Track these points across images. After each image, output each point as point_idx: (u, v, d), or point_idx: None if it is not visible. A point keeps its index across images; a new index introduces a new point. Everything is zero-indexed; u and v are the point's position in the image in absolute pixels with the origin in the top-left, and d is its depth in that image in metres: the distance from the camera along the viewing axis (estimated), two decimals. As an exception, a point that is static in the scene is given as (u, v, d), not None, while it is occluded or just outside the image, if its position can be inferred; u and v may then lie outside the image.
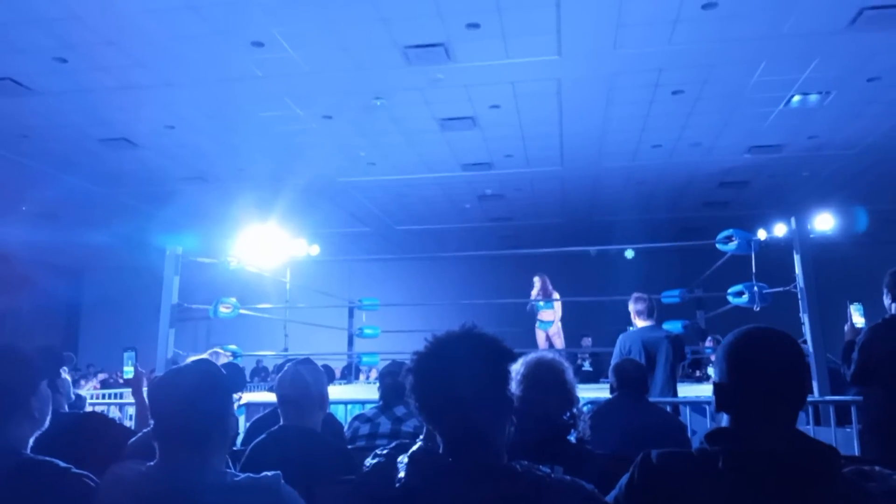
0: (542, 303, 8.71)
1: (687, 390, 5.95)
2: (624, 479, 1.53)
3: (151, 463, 1.65)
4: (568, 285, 11.18)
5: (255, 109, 7.86)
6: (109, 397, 7.82)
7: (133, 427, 3.44)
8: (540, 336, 8.89)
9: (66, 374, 2.68)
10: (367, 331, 8.41)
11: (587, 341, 11.12)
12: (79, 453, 1.85)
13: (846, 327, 3.93)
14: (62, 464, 1.67)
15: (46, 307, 15.00)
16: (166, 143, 8.95)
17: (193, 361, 1.86)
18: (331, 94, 7.47)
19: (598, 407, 3.35)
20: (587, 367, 10.26)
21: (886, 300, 3.65)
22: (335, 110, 7.95)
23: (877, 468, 1.68)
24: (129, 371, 3.46)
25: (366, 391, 6.39)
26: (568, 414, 2.26)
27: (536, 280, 8.86)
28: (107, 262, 15.77)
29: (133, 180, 10.54)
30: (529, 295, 8.93)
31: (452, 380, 1.44)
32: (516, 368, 2.18)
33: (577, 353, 10.38)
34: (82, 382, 10.19)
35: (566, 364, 2.33)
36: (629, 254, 12.70)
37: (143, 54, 6.46)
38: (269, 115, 8.04)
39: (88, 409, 4.66)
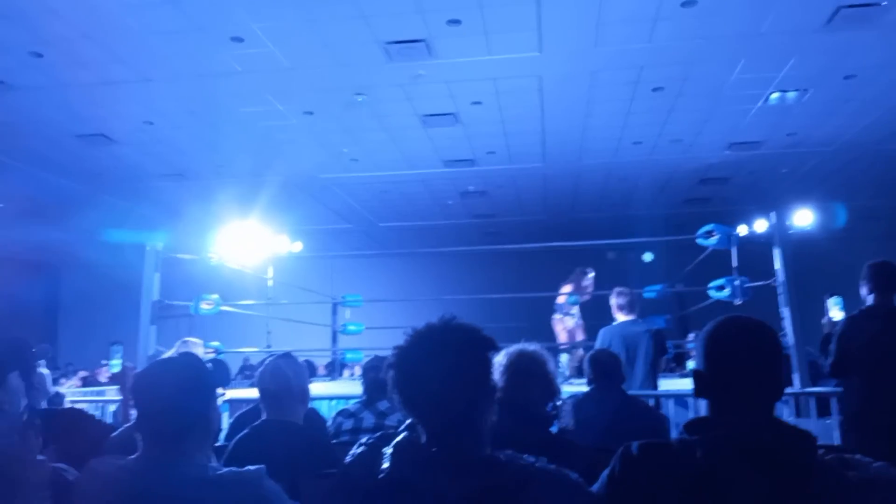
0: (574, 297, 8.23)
1: (670, 384, 5.99)
2: (605, 472, 1.54)
3: (132, 457, 1.63)
4: (551, 281, 11.19)
5: (236, 105, 7.79)
6: (90, 395, 7.72)
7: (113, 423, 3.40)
8: (562, 329, 8.45)
9: (43, 369, 2.63)
10: (351, 327, 8.38)
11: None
12: (57, 449, 1.83)
13: (824, 321, 3.98)
14: (39, 457, 1.65)
15: (24, 306, 14.77)
16: (145, 139, 8.85)
17: (178, 355, 1.85)
18: (312, 89, 7.43)
19: (578, 400, 3.37)
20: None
21: (863, 291, 3.70)
22: (316, 106, 7.91)
23: (857, 456, 1.70)
24: (116, 364, 3.41)
25: (350, 387, 6.37)
26: (551, 405, 2.27)
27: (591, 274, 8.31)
28: (85, 260, 15.57)
29: (111, 177, 10.41)
30: (514, 290, 8.84)
31: (434, 371, 1.44)
32: (499, 360, 2.19)
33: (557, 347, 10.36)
34: (63, 381, 10.06)
35: (548, 355, 2.35)
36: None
37: (121, 49, 6.38)
38: (250, 111, 7.98)
39: (68, 405, 4.60)
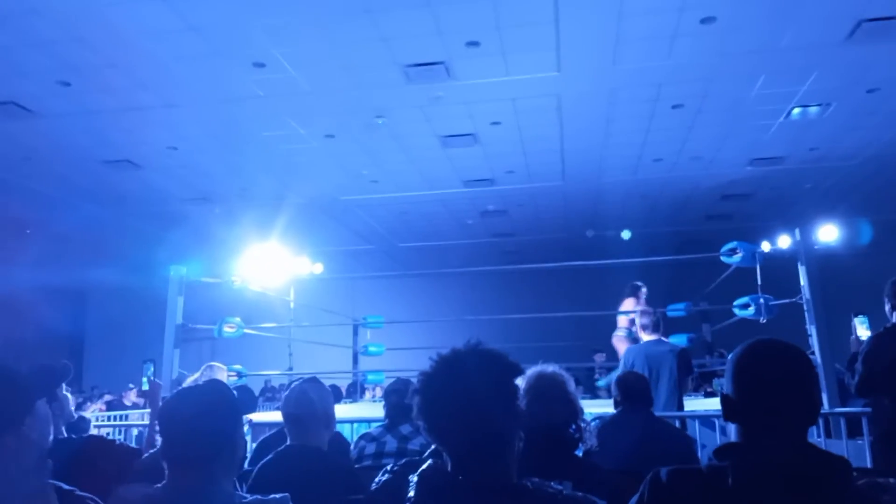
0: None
1: (696, 404, 5.90)
2: (634, 499, 1.52)
3: (159, 485, 1.63)
4: (573, 299, 11.16)
5: (258, 129, 7.89)
6: (114, 419, 7.78)
7: (138, 446, 3.41)
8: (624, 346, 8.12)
9: (66, 391, 2.63)
10: (372, 348, 8.38)
11: (601, 357, 11.01)
12: (82, 479, 1.83)
13: (852, 339, 3.92)
14: (66, 486, 1.65)
15: (50, 331, 14.93)
16: (169, 163, 8.99)
17: (205, 382, 1.85)
18: (332, 113, 7.50)
19: (605, 421, 3.33)
20: (602, 383, 10.14)
21: (887, 308, 3.64)
22: (337, 129, 7.99)
23: (892, 480, 1.66)
24: (146, 382, 3.43)
25: (371, 409, 6.35)
26: (574, 426, 2.24)
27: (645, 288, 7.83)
28: (111, 285, 15.76)
29: (136, 202, 10.58)
30: (535, 309, 8.80)
31: (461, 399, 1.42)
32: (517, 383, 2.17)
33: (595, 368, 10.29)
34: (88, 405, 10.14)
35: (567, 375, 2.33)
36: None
37: (145, 76, 6.51)
38: (272, 135, 8.07)
39: (93, 431, 4.63)
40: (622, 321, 7.76)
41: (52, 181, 9.46)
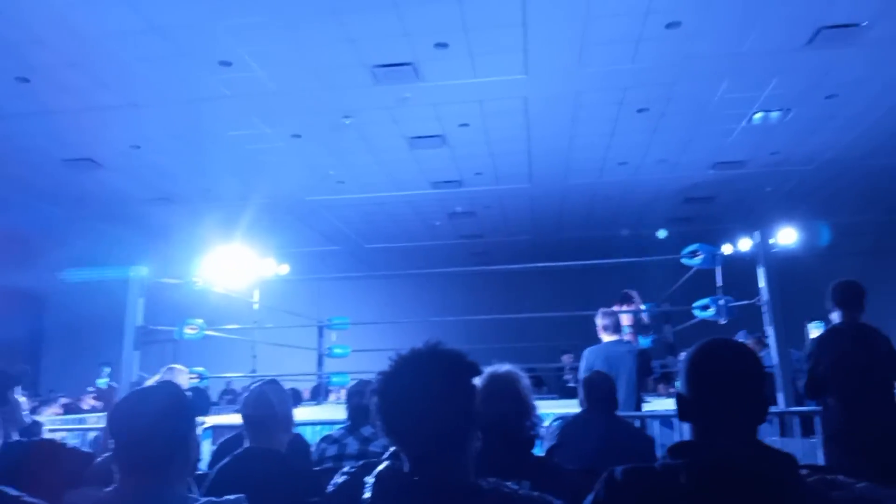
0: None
1: (656, 405, 5.97)
2: (589, 498, 1.53)
3: (109, 488, 1.59)
4: (541, 301, 11.22)
5: (223, 128, 7.80)
6: (71, 423, 7.59)
7: (94, 450, 3.34)
8: None
9: (19, 395, 2.56)
10: (337, 350, 8.31)
11: (568, 358, 11.10)
12: (32, 484, 1.78)
13: (807, 344, 4.02)
14: (13, 491, 1.61)
15: (7, 334, 14.56)
16: (132, 163, 8.83)
17: (156, 384, 1.82)
18: (299, 112, 7.45)
19: (567, 422, 3.35)
20: (572, 383, 10.22)
21: (829, 310, 3.76)
22: (304, 129, 7.93)
23: (840, 477, 1.70)
24: (102, 382, 3.37)
25: (335, 412, 6.30)
26: (529, 423, 2.26)
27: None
28: (70, 287, 15.43)
29: (97, 203, 10.36)
30: (502, 310, 8.84)
31: (417, 398, 1.42)
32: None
33: (565, 369, 10.37)
34: (44, 409, 9.89)
35: (520, 374, 2.34)
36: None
37: (107, 75, 6.39)
38: (237, 134, 7.98)
39: (47, 435, 4.52)
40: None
41: (10, 181, 9.22)
